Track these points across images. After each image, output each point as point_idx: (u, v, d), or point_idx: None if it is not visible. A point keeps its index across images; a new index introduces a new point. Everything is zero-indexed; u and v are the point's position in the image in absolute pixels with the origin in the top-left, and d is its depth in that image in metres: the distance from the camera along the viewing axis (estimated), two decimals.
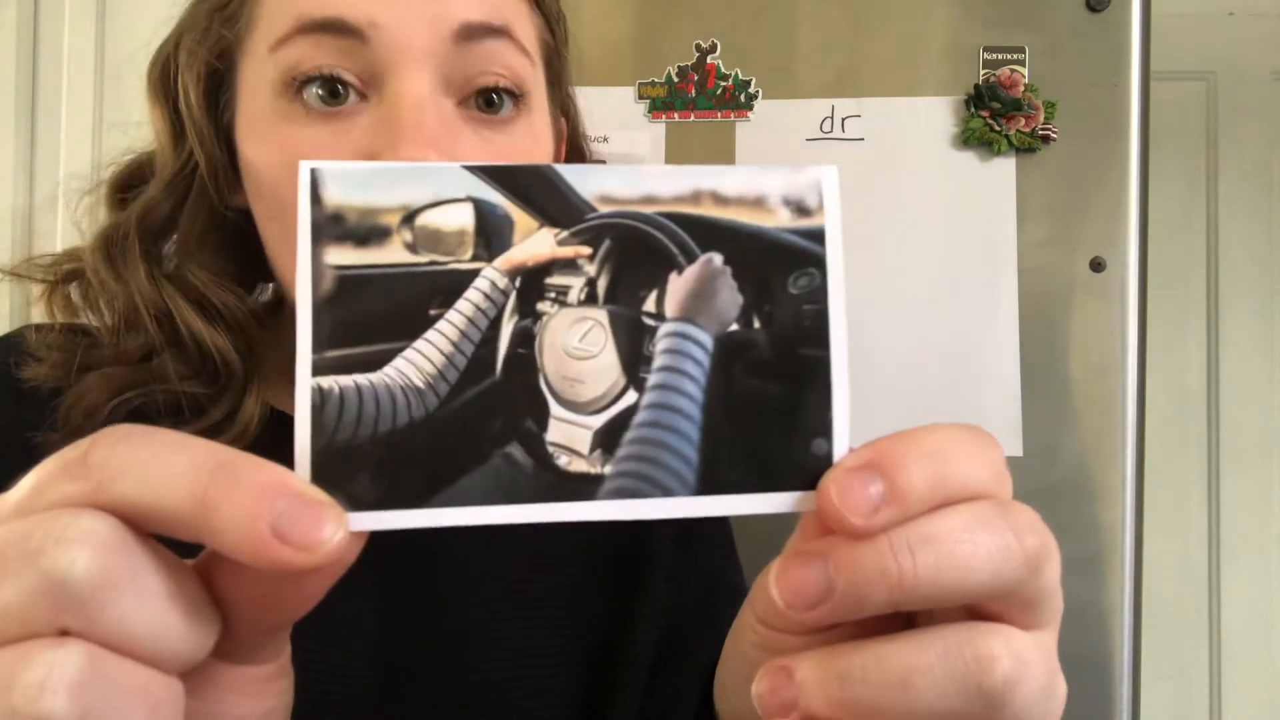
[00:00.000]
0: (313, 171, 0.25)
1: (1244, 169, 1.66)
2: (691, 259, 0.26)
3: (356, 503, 0.23)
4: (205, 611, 0.23)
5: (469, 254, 0.25)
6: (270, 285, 0.56)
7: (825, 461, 0.26)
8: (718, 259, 0.26)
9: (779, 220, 0.26)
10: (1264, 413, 1.65)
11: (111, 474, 0.22)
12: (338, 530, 0.22)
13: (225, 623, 0.24)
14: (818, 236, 0.26)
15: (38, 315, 0.53)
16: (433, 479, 0.24)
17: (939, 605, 0.26)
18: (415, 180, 0.25)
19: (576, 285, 0.26)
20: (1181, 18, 1.58)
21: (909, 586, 0.24)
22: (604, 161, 1.03)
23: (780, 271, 0.26)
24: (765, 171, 0.26)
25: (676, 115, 1.05)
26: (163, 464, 0.22)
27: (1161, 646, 1.56)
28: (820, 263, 0.26)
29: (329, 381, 0.24)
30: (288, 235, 0.45)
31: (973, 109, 1.02)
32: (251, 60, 0.47)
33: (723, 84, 1.04)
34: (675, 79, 1.05)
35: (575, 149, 0.63)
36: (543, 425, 0.25)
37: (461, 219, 0.25)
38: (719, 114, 1.05)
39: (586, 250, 0.26)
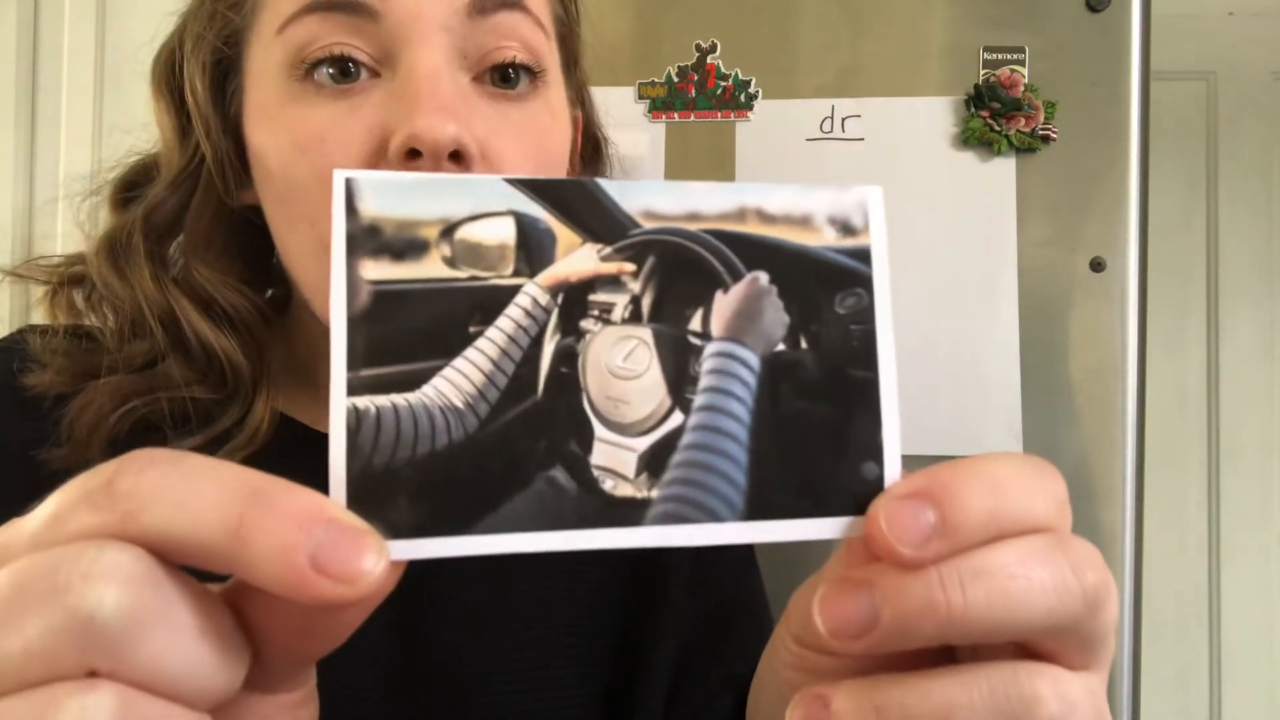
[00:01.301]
0: (348, 181, 0.24)
1: (1244, 169, 1.66)
2: (737, 277, 0.25)
3: (395, 530, 0.22)
4: (237, 645, 0.22)
5: (510, 269, 0.24)
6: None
7: (876, 486, 0.25)
8: (764, 278, 0.25)
9: (824, 239, 0.26)
10: (1264, 413, 1.65)
11: (139, 503, 0.21)
12: (379, 560, 0.21)
13: (255, 653, 0.23)
14: (864, 256, 0.26)
15: (38, 318, 0.52)
16: (474, 504, 0.23)
17: (990, 640, 0.25)
18: (455, 192, 0.24)
19: (620, 303, 0.25)
20: (1181, 18, 1.58)
21: (958, 621, 0.23)
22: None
23: (827, 291, 0.25)
24: (811, 190, 0.26)
25: (676, 115, 1.05)
26: (192, 492, 0.21)
27: (1161, 646, 1.56)
28: (867, 283, 0.26)
29: (365, 401, 0.23)
30: (297, 221, 0.44)
31: (973, 109, 1.02)
32: (259, 44, 0.46)
33: (723, 84, 1.04)
34: (675, 79, 1.05)
35: (590, 137, 0.60)
36: (587, 448, 0.24)
37: (502, 233, 0.24)
38: (719, 114, 1.05)
39: (630, 267, 0.25)
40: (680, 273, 0.25)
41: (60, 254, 0.52)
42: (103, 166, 0.53)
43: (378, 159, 0.42)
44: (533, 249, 0.24)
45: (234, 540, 0.20)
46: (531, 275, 0.24)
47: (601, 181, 0.25)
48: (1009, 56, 1.03)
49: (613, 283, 0.25)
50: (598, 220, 0.25)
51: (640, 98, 1.05)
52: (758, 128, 1.04)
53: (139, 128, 0.53)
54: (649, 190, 0.25)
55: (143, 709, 0.20)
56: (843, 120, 1.04)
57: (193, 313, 0.47)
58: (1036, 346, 1.02)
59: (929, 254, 1.03)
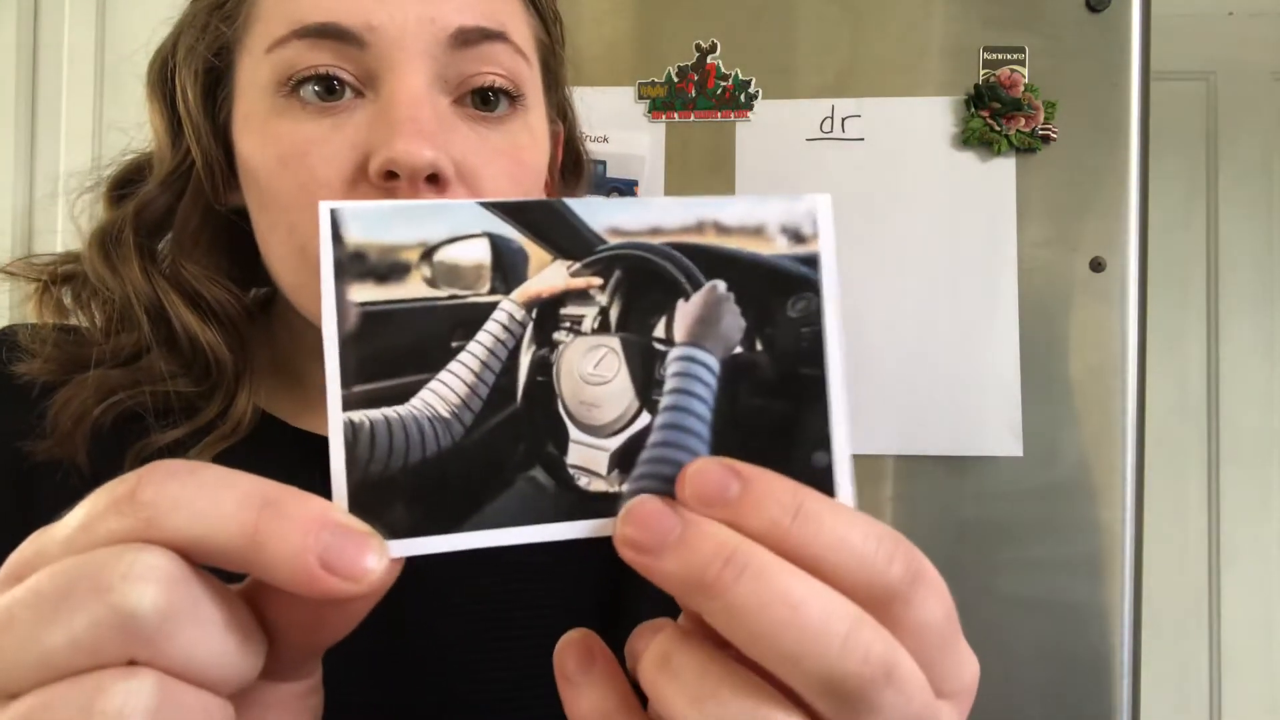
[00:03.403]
0: (333, 211, 0.25)
1: (1244, 169, 1.66)
2: (697, 286, 0.27)
3: (393, 530, 0.25)
4: (255, 636, 0.24)
5: (487, 287, 0.26)
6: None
7: (826, 473, 0.27)
8: (722, 286, 0.27)
9: (777, 248, 0.27)
10: (1264, 413, 1.65)
11: (162, 511, 0.23)
12: (381, 559, 0.24)
13: (271, 644, 0.25)
14: (813, 262, 0.27)
15: (25, 317, 0.53)
16: (463, 504, 0.25)
17: (747, 652, 0.24)
18: (433, 217, 0.26)
19: (590, 314, 0.27)
20: (1181, 18, 1.58)
21: (719, 607, 0.23)
22: (604, 162, 1.03)
23: (779, 296, 0.27)
24: (764, 201, 0.27)
25: (676, 115, 1.05)
26: (212, 501, 0.23)
27: (1161, 646, 1.56)
28: (816, 287, 0.27)
29: (359, 415, 0.25)
30: (278, 227, 0.46)
31: (973, 109, 1.02)
32: (248, 58, 0.47)
33: (723, 84, 1.04)
34: (675, 79, 1.05)
35: (572, 151, 0.63)
36: (563, 449, 0.26)
37: (478, 254, 0.26)
38: (719, 114, 1.05)
39: (598, 281, 0.27)
40: (644, 284, 0.27)
41: (54, 252, 0.53)
42: (99, 165, 0.55)
43: (358, 176, 0.44)
44: (507, 268, 0.26)
45: (251, 545, 0.23)
46: (507, 292, 0.26)
47: (569, 201, 0.27)
48: (1009, 56, 1.03)
49: (582, 296, 0.27)
50: (566, 238, 0.27)
51: (640, 98, 1.05)
52: (758, 128, 1.04)
53: (136, 127, 0.54)
54: (613, 207, 0.27)
55: (177, 693, 0.22)
56: (843, 120, 1.04)
57: (180, 305, 0.48)
58: (1036, 346, 1.02)
59: (929, 254, 1.03)
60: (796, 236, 0.27)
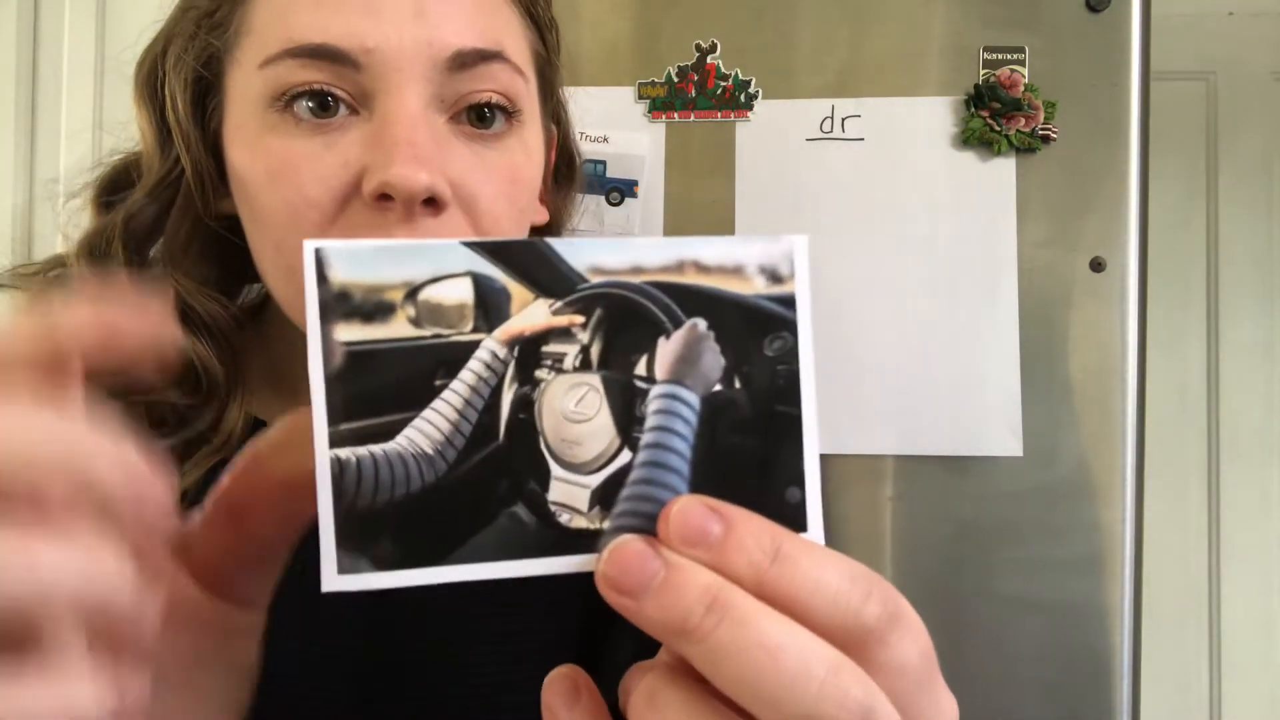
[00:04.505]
0: (317, 251, 0.26)
1: (1244, 169, 1.66)
2: (678, 325, 0.27)
3: (379, 563, 0.25)
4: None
5: (470, 326, 0.27)
6: (255, 286, 0.56)
7: (799, 508, 0.27)
8: (702, 324, 0.27)
9: (755, 287, 0.28)
10: (1264, 413, 1.65)
11: None
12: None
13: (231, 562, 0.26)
14: (789, 302, 0.28)
15: None
16: (447, 539, 0.26)
17: (732, 697, 0.24)
18: (416, 257, 0.26)
19: (571, 352, 0.27)
20: (1181, 18, 1.58)
21: (700, 652, 0.23)
22: (603, 162, 1.03)
23: (757, 335, 0.28)
24: (743, 242, 0.28)
25: (676, 115, 1.05)
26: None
27: (1161, 646, 1.56)
28: (792, 327, 0.28)
29: (346, 452, 0.26)
30: (270, 238, 0.46)
31: (973, 109, 1.02)
32: (240, 70, 0.46)
33: (723, 84, 1.04)
34: (675, 79, 1.05)
35: (566, 154, 0.62)
36: (544, 485, 0.27)
37: (461, 293, 0.27)
38: (719, 114, 1.05)
39: (580, 319, 0.27)
40: (626, 322, 0.27)
41: (39, 261, 0.52)
42: (89, 169, 0.54)
43: (349, 194, 0.44)
44: (489, 306, 0.27)
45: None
46: (489, 331, 0.27)
47: (552, 241, 0.27)
48: (1009, 56, 1.03)
49: (564, 334, 0.27)
50: (549, 277, 0.27)
51: (640, 98, 1.05)
52: (758, 128, 1.04)
53: (124, 125, 0.53)
54: (595, 247, 0.27)
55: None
56: (843, 120, 1.04)
57: None
58: (1036, 346, 1.02)
59: (929, 254, 1.03)
60: (774, 277, 0.28)
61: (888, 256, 1.03)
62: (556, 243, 0.27)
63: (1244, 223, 1.66)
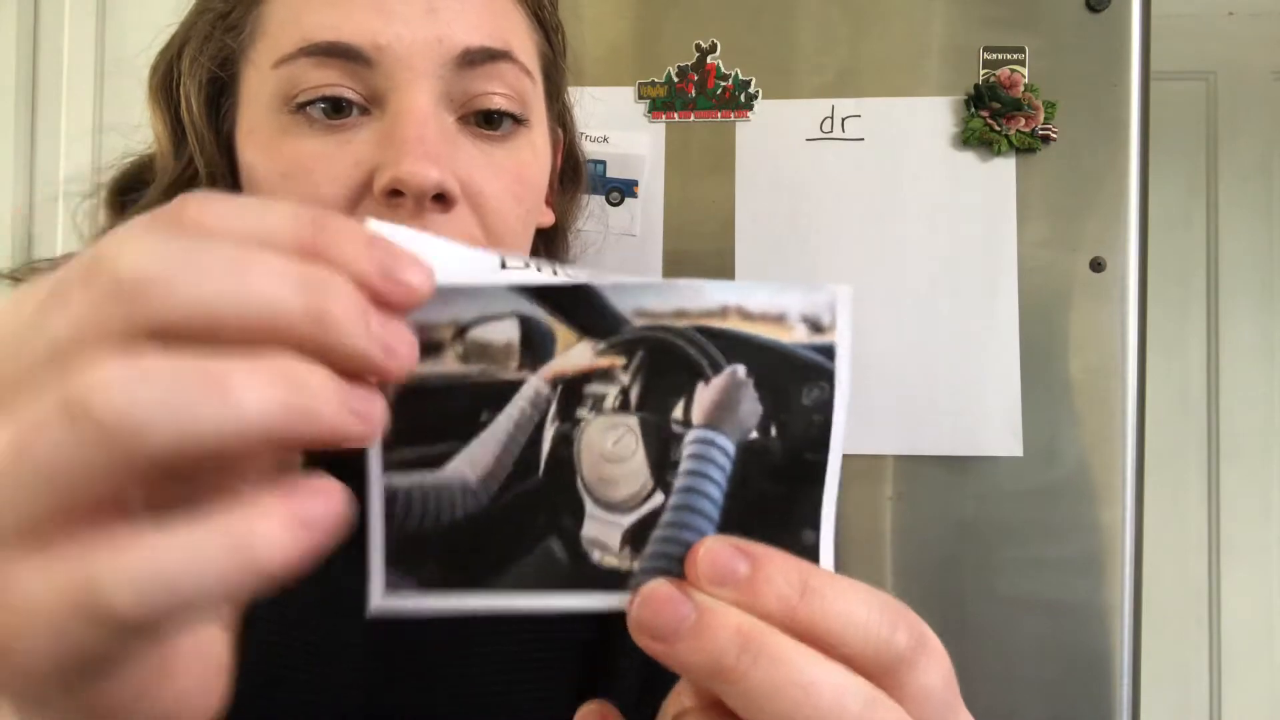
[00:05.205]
0: None
1: (1244, 169, 1.66)
2: (718, 370, 0.28)
3: (425, 585, 0.27)
4: None
5: (515, 365, 0.28)
6: None
7: (813, 551, 0.28)
8: (741, 371, 0.28)
9: (796, 336, 0.28)
10: (1264, 413, 1.65)
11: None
12: (427, 276, 0.24)
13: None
14: (829, 352, 0.28)
15: None
16: (486, 567, 0.27)
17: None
18: (465, 299, 0.27)
19: (611, 393, 0.28)
20: (1181, 18, 1.58)
21: (738, 692, 0.24)
22: (603, 161, 1.03)
23: (795, 384, 0.28)
24: (786, 289, 0.28)
25: (676, 115, 1.05)
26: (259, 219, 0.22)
27: (1161, 646, 1.56)
28: (830, 376, 0.28)
29: (396, 478, 0.27)
30: None
31: (973, 109, 1.02)
32: (254, 71, 0.47)
33: (723, 84, 1.04)
34: (675, 79, 1.05)
35: (571, 156, 0.63)
36: (579, 522, 0.28)
37: (508, 333, 0.27)
38: (719, 114, 1.05)
39: (621, 361, 0.28)
40: (666, 366, 0.28)
41: (51, 258, 0.53)
42: (99, 167, 0.54)
43: (362, 193, 0.44)
44: (535, 346, 0.28)
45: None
46: (534, 370, 0.28)
47: (597, 284, 0.28)
48: (1009, 56, 1.03)
49: (606, 375, 0.28)
50: (593, 319, 0.28)
51: (640, 98, 1.05)
52: (758, 128, 1.04)
53: (136, 129, 0.54)
54: (641, 291, 0.28)
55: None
56: (843, 120, 1.04)
57: None
58: (1036, 346, 1.02)
59: (929, 254, 1.03)
60: (815, 326, 0.28)
61: (888, 256, 1.03)
62: (602, 285, 0.28)
63: (1244, 223, 1.66)
